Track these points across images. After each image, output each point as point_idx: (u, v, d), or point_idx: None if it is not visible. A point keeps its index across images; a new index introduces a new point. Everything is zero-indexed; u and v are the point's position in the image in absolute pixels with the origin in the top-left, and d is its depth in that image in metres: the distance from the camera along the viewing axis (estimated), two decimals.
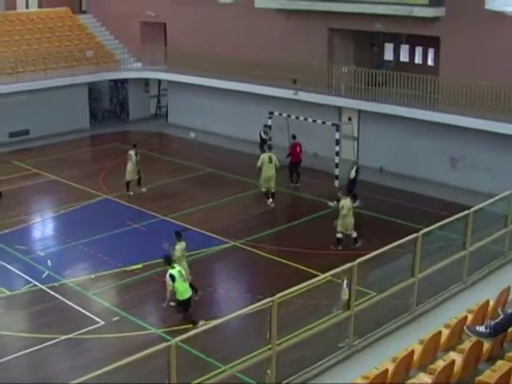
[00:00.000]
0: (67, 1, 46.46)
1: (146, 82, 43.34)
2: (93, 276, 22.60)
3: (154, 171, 33.24)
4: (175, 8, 40.83)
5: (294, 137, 31.51)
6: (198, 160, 34.22)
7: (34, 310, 20.76)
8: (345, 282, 16.82)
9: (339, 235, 24.12)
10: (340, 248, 23.96)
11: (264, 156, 28.83)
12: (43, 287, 21.84)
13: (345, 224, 24.14)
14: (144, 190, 30.48)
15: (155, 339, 18.11)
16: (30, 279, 22.42)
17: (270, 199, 28.48)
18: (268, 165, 28.44)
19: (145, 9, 42.36)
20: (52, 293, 21.47)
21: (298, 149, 31.04)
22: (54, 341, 18.70)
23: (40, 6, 46.75)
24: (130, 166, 30.08)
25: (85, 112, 41.43)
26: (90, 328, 19.21)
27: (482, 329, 10.58)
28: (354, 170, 28.10)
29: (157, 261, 22.91)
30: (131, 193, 30.16)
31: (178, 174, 32.66)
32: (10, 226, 26.86)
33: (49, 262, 23.69)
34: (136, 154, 30.19)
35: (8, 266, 23.51)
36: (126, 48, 43.60)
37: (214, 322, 11.88)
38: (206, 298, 21.22)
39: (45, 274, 22.71)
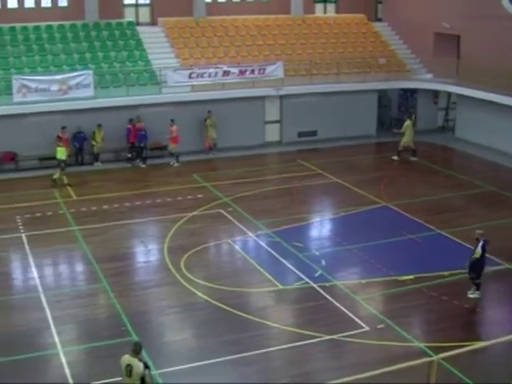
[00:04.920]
0: (364, 8, 47.26)
1: (435, 93, 42.96)
2: (363, 281, 22.78)
3: (435, 184, 32.93)
4: (470, 20, 39.97)
5: None
6: (481, 177, 33.43)
7: (303, 307, 21.22)
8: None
9: None
10: None
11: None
12: (314, 286, 22.32)
13: None
14: (414, 159, 36.89)
15: (416, 353, 17.99)
16: (302, 276, 23.01)
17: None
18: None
19: (440, 20, 41.92)
20: (322, 292, 21.88)
21: None
22: (317, 339, 19.04)
23: (337, 12, 47.87)
24: (407, 136, 36.82)
25: (372, 118, 41.93)
26: (354, 332, 19.36)
27: None
28: None
29: (429, 274, 22.79)
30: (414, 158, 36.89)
31: (458, 189, 32.06)
32: (289, 223, 27.78)
33: (323, 261, 24.15)
34: (413, 125, 37.39)
35: (283, 260, 24.32)
36: (418, 58, 43.50)
37: (480, 344, 11.56)
38: (475, 318, 20.76)
39: (317, 273, 23.21)
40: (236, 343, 18.85)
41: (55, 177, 32.78)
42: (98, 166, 36.11)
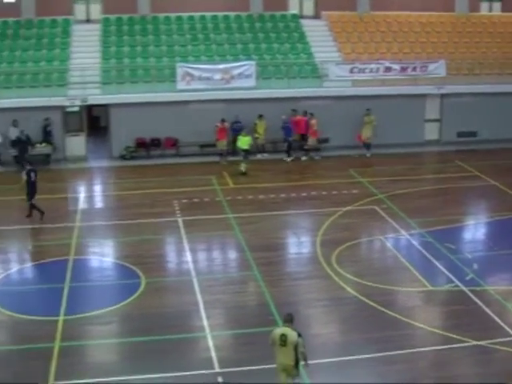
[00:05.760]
0: None
1: None
2: None
3: None
4: None
5: None
6: None
7: (451, 310, 20.97)
8: None
9: None
10: None
11: None
12: (464, 289, 21.96)
13: None
14: None
15: None
16: (453, 278, 22.68)
17: None
18: None
19: None
20: (472, 296, 21.50)
21: None
22: (463, 344, 18.73)
23: (503, 11, 46.69)
24: None
25: None
26: (502, 340, 18.92)
27: None
28: None
29: None
30: None
31: None
32: (442, 224, 27.47)
33: (475, 265, 23.75)
34: None
35: (434, 261, 24.06)
36: None
37: None
38: None
39: (468, 277, 22.81)
40: (380, 341, 18.84)
41: (242, 168, 33.68)
42: (262, 157, 36.74)
